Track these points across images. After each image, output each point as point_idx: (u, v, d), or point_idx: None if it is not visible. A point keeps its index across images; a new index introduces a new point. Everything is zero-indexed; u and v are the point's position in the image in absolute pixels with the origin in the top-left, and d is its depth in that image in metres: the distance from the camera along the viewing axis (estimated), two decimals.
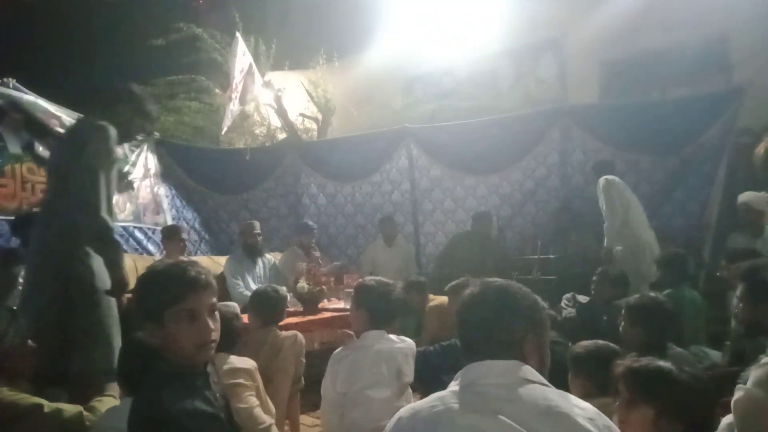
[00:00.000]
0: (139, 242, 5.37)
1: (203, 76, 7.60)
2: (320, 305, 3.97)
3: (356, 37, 8.02)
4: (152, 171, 5.88)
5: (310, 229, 5.32)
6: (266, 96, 6.89)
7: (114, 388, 1.97)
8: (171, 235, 4.67)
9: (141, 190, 5.65)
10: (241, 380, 2.06)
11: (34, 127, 4.47)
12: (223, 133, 6.56)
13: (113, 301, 2.34)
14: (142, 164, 5.73)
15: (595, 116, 5.11)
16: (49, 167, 2.82)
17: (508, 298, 1.21)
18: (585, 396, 1.52)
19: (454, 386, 1.17)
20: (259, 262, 4.88)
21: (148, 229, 5.56)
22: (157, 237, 5.29)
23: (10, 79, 4.34)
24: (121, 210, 5.31)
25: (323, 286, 3.97)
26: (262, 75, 6.58)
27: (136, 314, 1.31)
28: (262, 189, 6.47)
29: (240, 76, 6.10)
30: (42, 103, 4.58)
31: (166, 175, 5.99)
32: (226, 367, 2.05)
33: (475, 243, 5.02)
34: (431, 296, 3.94)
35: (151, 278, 1.29)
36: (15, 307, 1.92)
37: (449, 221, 5.71)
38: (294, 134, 7.15)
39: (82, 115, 3.09)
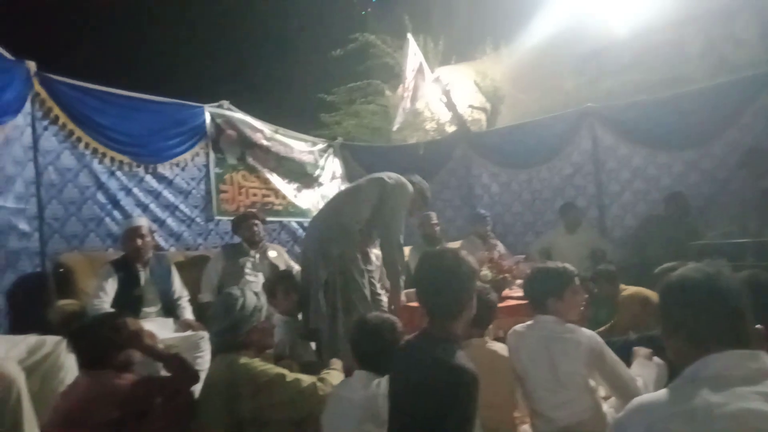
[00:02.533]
0: None
1: (377, 79, 8.07)
2: (503, 293, 3.99)
3: (521, 21, 7.83)
4: (338, 173, 6.45)
5: (483, 218, 5.39)
6: (435, 91, 7.09)
7: (337, 363, 2.26)
8: None
9: (330, 190, 6.23)
10: None
11: (245, 141, 5.23)
12: (394, 129, 6.88)
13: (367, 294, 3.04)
14: (329, 167, 6.32)
15: None
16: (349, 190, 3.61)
17: (742, 287, 1.18)
18: None
19: (688, 378, 1.14)
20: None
21: None
22: None
23: (225, 101, 5.13)
24: (316, 208, 5.92)
25: (506, 274, 3.99)
26: (431, 71, 6.78)
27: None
28: (436, 182, 6.65)
29: (411, 76, 6.36)
30: (249, 119, 5.33)
31: (350, 175, 6.52)
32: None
33: (669, 227, 4.60)
34: (622, 286, 3.72)
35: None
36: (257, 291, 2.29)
37: (640, 203, 5.30)
38: (463, 126, 7.25)
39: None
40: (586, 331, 2.10)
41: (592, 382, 2.10)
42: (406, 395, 1.56)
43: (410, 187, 3.40)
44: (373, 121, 7.98)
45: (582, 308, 2.29)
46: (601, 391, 2.19)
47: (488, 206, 6.19)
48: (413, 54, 6.18)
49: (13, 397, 2.04)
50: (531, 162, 6.00)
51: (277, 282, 3.24)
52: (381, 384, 1.73)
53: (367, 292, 3.17)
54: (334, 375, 2.13)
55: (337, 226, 3.11)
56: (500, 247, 5.27)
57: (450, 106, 7.18)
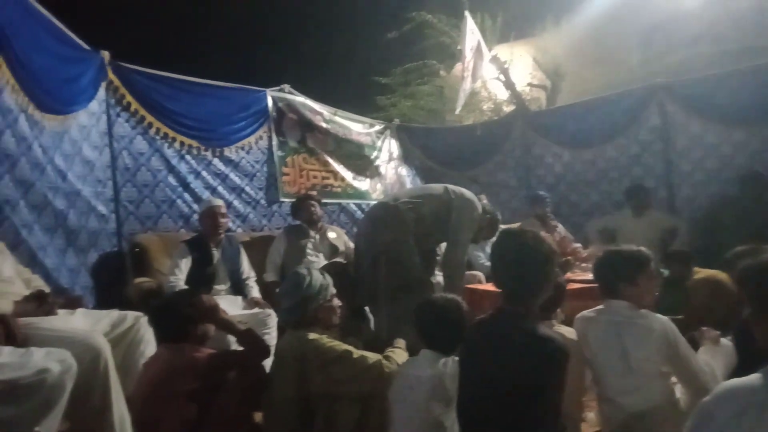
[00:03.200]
0: None
1: (433, 60, 7.99)
2: (566, 276, 3.91)
3: None
4: (395, 154, 6.47)
5: (542, 199, 5.27)
6: (493, 70, 6.94)
7: (401, 342, 2.30)
8: None
9: (387, 172, 6.27)
10: None
11: (305, 123, 5.32)
12: (457, 112, 6.79)
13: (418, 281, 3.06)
14: (386, 149, 6.35)
15: None
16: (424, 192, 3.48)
17: None
18: None
19: None
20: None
21: None
22: None
23: (286, 85, 5.22)
24: (374, 190, 5.98)
25: (569, 257, 3.90)
26: (489, 50, 6.64)
27: None
28: (493, 162, 6.56)
29: (470, 55, 6.25)
30: (309, 102, 5.41)
31: (406, 157, 6.54)
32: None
33: (744, 208, 4.35)
34: (695, 269, 3.56)
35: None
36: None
37: (713, 183, 5.02)
38: (522, 105, 7.07)
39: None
40: (660, 317, 2.03)
41: (664, 368, 2.04)
42: (488, 372, 1.57)
43: (479, 209, 3.35)
44: (429, 102, 7.92)
45: (656, 294, 2.22)
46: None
47: (550, 187, 6.03)
48: (471, 32, 6.06)
49: (102, 367, 2.18)
50: (595, 141, 5.78)
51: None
52: (448, 363, 1.75)
53: (423, 274, 3.20)
54: (399, 354, 2.17)
55: (393, 212, 3.13)
56: (560, 230, 5.15)
57: (508, 84, 7.01)
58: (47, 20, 3.25)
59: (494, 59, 6.76)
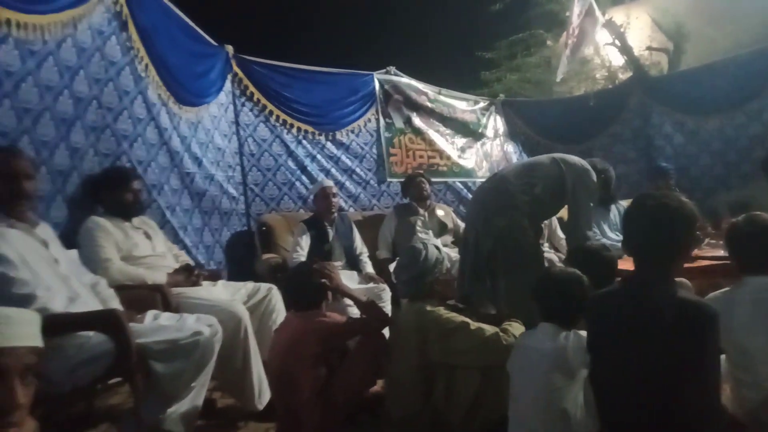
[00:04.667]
0: None
1: (540, 29, 7.68)
2: (694, 253, 3.66)
3: None
4: (501, 131, 6.35)
5: (665, 172, 4.89)
6: (607, 36, 6.54)
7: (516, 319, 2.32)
8: None
9: (493, 149, 6.18)
10: None
11: (410, 104, 5.40)
12: (558, 80, 6.51)
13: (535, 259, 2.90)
14: (491, 126, 6.26)
15: None
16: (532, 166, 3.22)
17: None
18: None
19: None
20: (613, 209, 4.77)
21: None
22: None
23: (391, 67, 5.32)
24: (479, 168, 5.94)
25: (697, 233, 3.63)
26: (603, 14, 6.24)
27: None
28: (607, 134, 6.22)
29: (578, 21, 5.93)
30: (414, 83, 5.48)
31: (512, 133, 6.39)
32: None
33: None
34: None
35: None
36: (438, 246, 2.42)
37: None
38: (641, 71, 6.59)
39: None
40: None
41: None
42: (632, 345, 1.52)
43: (594, 175, 3.10)
44: (536, 74, 7.64)
45: None
46: None
47: (671, 159, 5.61)
48: None
49: (242, 332, 2.44)
50: (723, 106, 5.28)
51: None
52: (570, 337, 1.74)
53: (541, 256, 3.10)
54: (516, 327, 2.19)
55: (504, 196, 2.96)
56: None
57: (624, 49, 6.56)
58: (181, 20, 3.60)
59: (608, 23, 6.37)
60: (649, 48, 7.00)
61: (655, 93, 5.88)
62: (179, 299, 2.52)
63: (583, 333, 1.73)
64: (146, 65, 3.18)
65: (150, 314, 2.25)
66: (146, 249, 2.72)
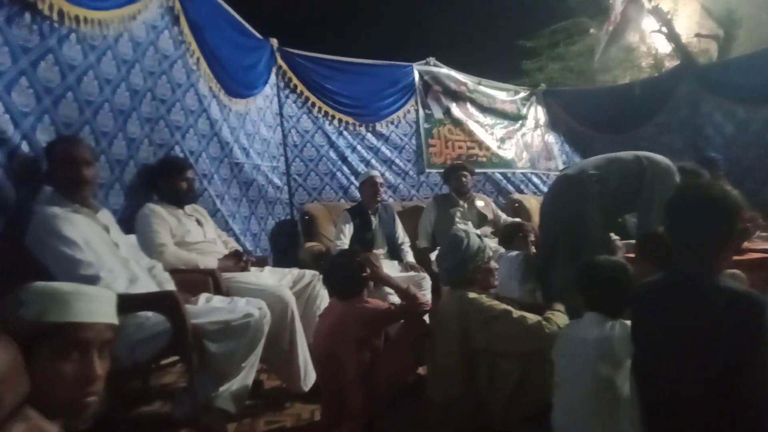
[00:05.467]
0: (536, 186, 5.89)
1: (583, 16, 7.49)
2: (744, 246, 3.55)
3: None
4: (542, 121, 6.27)
5: (715, 162, 4.72)
6: (653, 23, 6.35)
7: (560, 305, 2.33)
8: None
9: (534, 139, 6.12)
10: None
11: (449, 95, 5.40)
12: (595, 59, 6.32)
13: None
14: (532, 116, 6.18)
15: None
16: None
17: None
18: None
19: None
20: None
21: (543, 174, 6.03)
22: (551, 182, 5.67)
23: (431, 57, 5.32)
24: (519, 158, 5.89)
25: (747, 224, 3.53)
26: (650, 1, 6.08)
27: None
28: (653, 124, 6.05)
29: (621, 7, 5.79)
30: (453, 73, 5.47)
31: (554, 123, 6.30)
32: None
33: None
34: None
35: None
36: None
37: None
38: (689, 59, 6.37)
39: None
40: None
41: None
42: (678, 332, 1.50)
43: (677, 176, 2.99)
44: (579, 63, 7.47)
45: None
46: None
47: (721, 149, 5.43)
48: None
49: (289, 316, 2.53)
50: None
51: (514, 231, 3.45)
52: (615, 327, 1.74)
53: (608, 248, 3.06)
54: (559, 316, 2.19)
55: (575, 185, 2.96)
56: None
57: (672, 36, 6.35)
58: (229, 14, 3.71)
59: (655, 10, 6.18)
60: (697, 35, 6.74)
61: (705, 81, 5.69)
62: (229, 283, 2.62)
63: (628, 323, 1.73)
64: (197, 58, 3.29)
65: (203, 297, 2.36)
66: (198, 235, 2.83)
